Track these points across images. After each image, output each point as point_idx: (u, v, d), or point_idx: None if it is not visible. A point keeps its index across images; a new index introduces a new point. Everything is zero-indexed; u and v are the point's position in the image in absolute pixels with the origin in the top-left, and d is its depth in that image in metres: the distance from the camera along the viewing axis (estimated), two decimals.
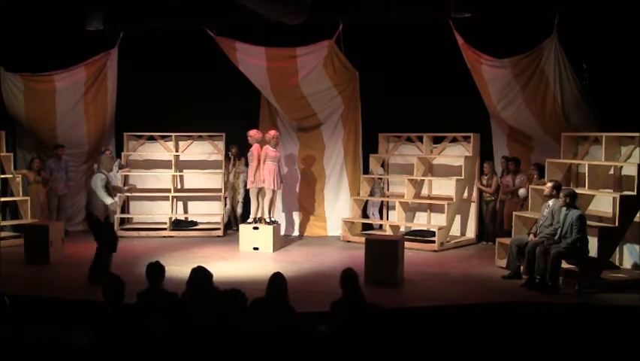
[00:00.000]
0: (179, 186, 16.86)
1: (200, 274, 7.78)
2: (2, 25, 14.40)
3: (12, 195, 15.31)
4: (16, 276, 11.47)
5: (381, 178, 16.10)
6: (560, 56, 13.38)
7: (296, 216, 16.43)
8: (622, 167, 12.11)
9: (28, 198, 15.05)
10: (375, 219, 16.23)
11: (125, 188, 14.11)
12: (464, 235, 15.49)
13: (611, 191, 12.02)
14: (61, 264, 12.69)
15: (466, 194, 15.17)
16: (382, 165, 16.35)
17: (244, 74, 15.24)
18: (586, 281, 10.67)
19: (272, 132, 14.64)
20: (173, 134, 16.59)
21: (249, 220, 14.58)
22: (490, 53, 13.75)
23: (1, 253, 11.86)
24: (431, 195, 15.88)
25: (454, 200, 14.68)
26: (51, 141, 15.97)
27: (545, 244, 10.83)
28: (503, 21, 13.49)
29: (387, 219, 15.99)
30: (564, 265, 10.79)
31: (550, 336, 9.07)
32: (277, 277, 7.54)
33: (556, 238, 10.90)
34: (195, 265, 8.02)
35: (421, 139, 15.80)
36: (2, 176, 15.16)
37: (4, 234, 14.72)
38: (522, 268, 11.33)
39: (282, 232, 15.51)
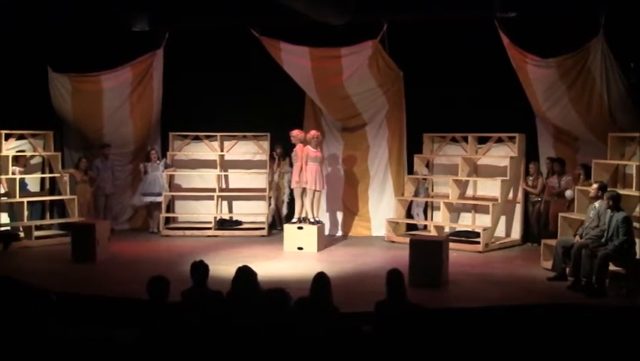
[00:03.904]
0: (224, 186, 16.93)
1: (246, 274, 7.80)
2: (50, 27, 14.62)
3: (59, 194, 15.52)
4: (62, 274, 11.61)
5: (425, 178, 16.04)
6: (606, 56, 13.18)
7: (340, 216, 16.39)
8: None
9: (75, 197, 15.19)
10: (419, 220, 16.14)
11: None
12: (509, 236, 15.32)
13: None
14: (108, 262, 12.80)
15: (511, 195, 15.05)
16: (427, 166, 16.27)
17: (288, 73, 15.28)
18: (633, 284, 10.52)
19: (312, 132, 14.64)
20: (218, 134, 16.66)
21: (294, 220, 14.61)
22: (535, 53, 13.62)
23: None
24: (476, 196, 15.76)
25: (499, 201, 14.58)
26: (98, 140, 16.17)
27: (591, 246, 10.71)
28: (549, 21, 13.38)
29: (432, 219, 15.90)
30: (611, 267, 10.65)
31: (596, 340, 8.96)
32: (321, 277, 7.51)
33: (602, 240, 10.77)
34: (240, 265, 8.03)
35: (465, 139, 15.70)
36: (50, 175, 15.40)
37: (51, 232, 14.96)
38: (568, 270, 11.23)
39: (326, 232, 15.50)
